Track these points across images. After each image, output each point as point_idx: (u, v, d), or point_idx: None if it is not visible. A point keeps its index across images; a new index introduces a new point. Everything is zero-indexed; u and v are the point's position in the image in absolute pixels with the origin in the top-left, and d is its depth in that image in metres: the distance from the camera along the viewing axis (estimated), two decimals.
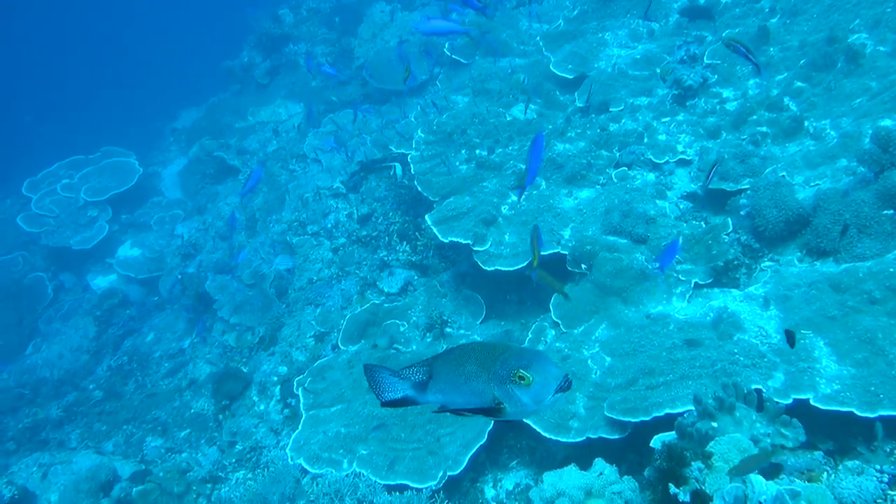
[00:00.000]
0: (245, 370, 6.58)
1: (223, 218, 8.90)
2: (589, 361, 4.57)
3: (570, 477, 2.94)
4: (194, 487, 5.20)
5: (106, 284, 10.49)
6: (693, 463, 2.73)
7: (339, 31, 12.14)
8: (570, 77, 6.89)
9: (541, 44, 7.37)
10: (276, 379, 6.21)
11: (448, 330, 5.76)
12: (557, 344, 4.84)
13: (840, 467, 3.45)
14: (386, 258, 6.89)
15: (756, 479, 2.27)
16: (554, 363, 1.83)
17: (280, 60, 12.18)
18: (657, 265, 4.50)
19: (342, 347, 5.81)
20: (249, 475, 5.22)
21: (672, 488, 2.54)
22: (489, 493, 4.71)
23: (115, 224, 11.08)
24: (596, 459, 3.15)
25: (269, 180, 8.95)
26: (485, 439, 4.62)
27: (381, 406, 2.07)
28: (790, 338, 3.68)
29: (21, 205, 11.96)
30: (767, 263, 4.74)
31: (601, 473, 2.96)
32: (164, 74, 19.75)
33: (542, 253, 5.25)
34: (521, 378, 1.79)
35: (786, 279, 4.53)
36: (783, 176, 4.94)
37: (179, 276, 8.49)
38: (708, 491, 2.65)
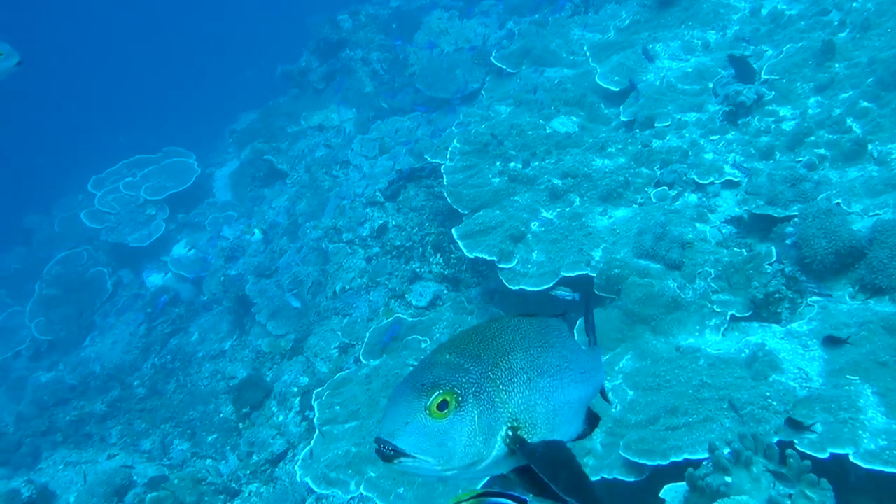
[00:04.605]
0: (269, 378, 6.55)
1: (267, 221, 8.96)
2: (610, 394, 4.29)
3: None
4: (206, 499, 5.17)
5: (160, 282, 10.78)
6: None
7: (395, 37, 12.12)
8: (616, 90, 6.57)
9: (588, 54, 7.07)
10: (296, 390, 6.14)
11: None
12: None
13: None
14: (418, 270, 6.73)
15: None
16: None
17: (336, 66, 12.24)
18: None
19: (363, 361, 5.69)
20: (262, 489, 5.16)
21: None
22: None
23: (171, 223, 11.36)
24: None
25: (312, 185, 8.96)
26: None
27: None
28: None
29: (90, 200, 12.46)
30: (815, 298, 4.33)
31: None
32: (233, 77, 20.28)
33: (570, 274, 5.00)
34: None
35: (834, 317, 4.13)
36: (837, 203, 4.51)
37: (222, 278, 8.58)
38: None
